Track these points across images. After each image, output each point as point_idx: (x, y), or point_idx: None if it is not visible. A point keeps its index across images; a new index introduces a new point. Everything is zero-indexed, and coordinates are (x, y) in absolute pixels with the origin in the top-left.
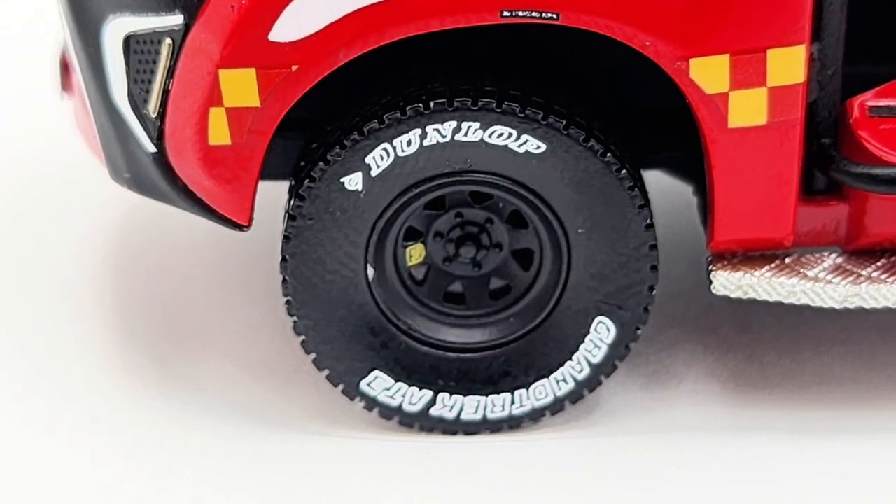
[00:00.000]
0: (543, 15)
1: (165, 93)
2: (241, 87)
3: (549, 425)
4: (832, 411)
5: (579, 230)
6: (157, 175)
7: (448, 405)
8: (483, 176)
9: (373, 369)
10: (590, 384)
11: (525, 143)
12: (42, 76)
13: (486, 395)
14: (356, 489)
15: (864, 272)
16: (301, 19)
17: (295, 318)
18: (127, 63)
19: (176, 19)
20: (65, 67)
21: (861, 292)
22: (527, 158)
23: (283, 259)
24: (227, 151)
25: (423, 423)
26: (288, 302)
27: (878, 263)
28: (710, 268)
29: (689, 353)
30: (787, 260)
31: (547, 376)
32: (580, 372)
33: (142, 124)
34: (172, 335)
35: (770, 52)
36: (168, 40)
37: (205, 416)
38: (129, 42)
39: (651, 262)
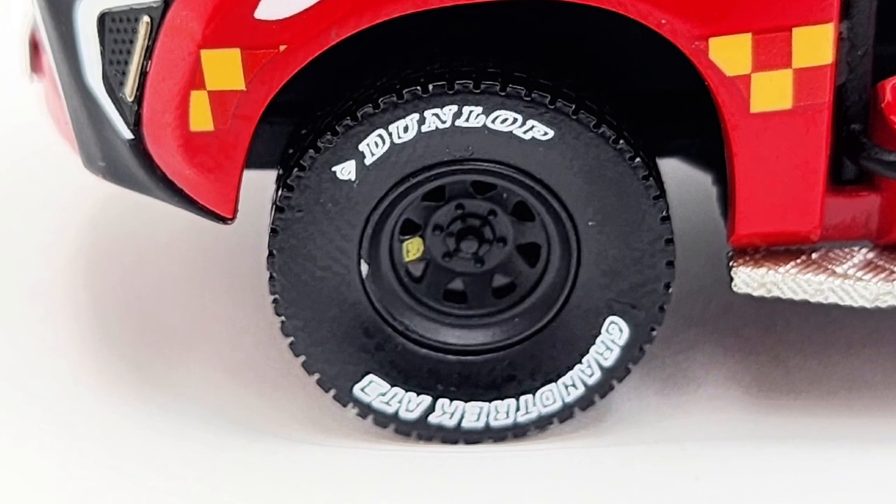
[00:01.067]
0: None
1: (143, 75)
2: (224, 68)
3: (558, 434)
4: (862, 418)
5: (590, 223)
6: (133, 163)
7: (448, 412)
8: (486, 164)
9: (367, 373)
10: (601, 389)
11: (531, 129)
12: (9, 57)
13: (490, 401)
14: (348, 503)
15: None
16: None
17: (283, 318)
18: (101, 43)
19: None
20: (34, 48)
21: (894, 290)
22: (533, 146)
23: (271, 254)
24: (210, 138)
25: (421, 431)
26: (275, 301)
27: None
28: (730, 264)
29: (709, 356)
30: (814, 255)
31: (555, 381)
32: (591, 376)
33: (117, 109)
34: (150, 337)
35: (795, 31)
36: (146, 18)
37: (185, 423)
38: (104, 20)
39: (667, 257)
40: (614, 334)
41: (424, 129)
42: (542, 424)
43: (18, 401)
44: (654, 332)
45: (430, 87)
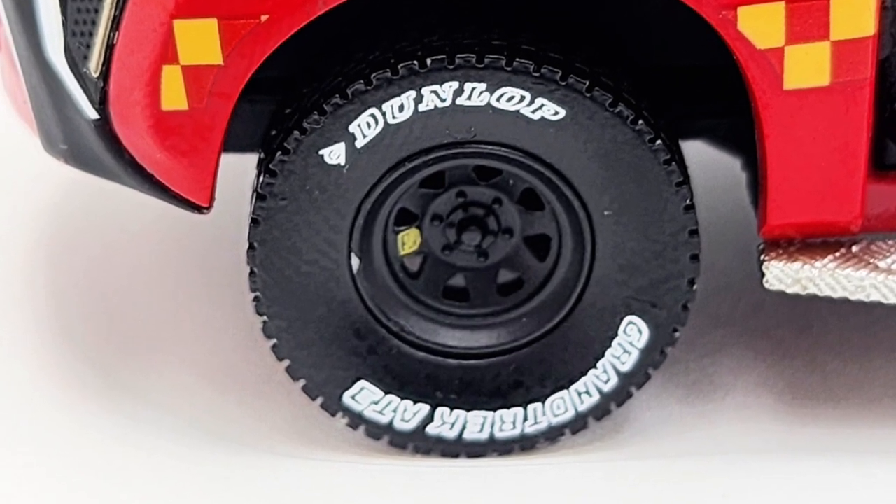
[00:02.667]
0: None
1: (109, 48)
2: (200, 40)
3: (570, 446)
4: None
5: (605, 212)
6: (99, 146)
7: (448, 422)
8: (490, 147)
9: (358, 379)
10: (618, 397)
11: (540, 107)
12: None
13: (494, 409)
14: None
15: None
16: None
17: (265, 317)
18: (63, 12)
19: None
20: None
21: None
22: (542, 126)
23: (251, 247)
24: (184, 118)
25: (418, 443)
26: (256, 299)
27: None
28: (762, 258)
29: (737, 360)
30: (855, 248)
31: (567, 388)
32: (606, 382)
33: (81, 86)
34: (118, 339)
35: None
36: None
37: (157, 435)
38: None
39: (691, 250)
40: (633, 336)
41: (422, 108)
42: (552, 436)
43: None
44: (677, 334)
45: (429, 61)
